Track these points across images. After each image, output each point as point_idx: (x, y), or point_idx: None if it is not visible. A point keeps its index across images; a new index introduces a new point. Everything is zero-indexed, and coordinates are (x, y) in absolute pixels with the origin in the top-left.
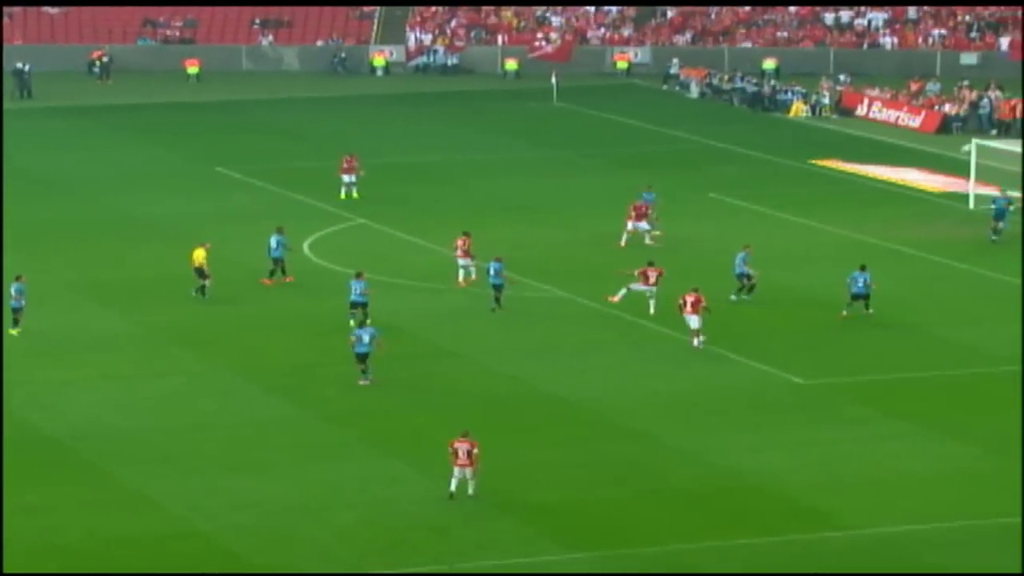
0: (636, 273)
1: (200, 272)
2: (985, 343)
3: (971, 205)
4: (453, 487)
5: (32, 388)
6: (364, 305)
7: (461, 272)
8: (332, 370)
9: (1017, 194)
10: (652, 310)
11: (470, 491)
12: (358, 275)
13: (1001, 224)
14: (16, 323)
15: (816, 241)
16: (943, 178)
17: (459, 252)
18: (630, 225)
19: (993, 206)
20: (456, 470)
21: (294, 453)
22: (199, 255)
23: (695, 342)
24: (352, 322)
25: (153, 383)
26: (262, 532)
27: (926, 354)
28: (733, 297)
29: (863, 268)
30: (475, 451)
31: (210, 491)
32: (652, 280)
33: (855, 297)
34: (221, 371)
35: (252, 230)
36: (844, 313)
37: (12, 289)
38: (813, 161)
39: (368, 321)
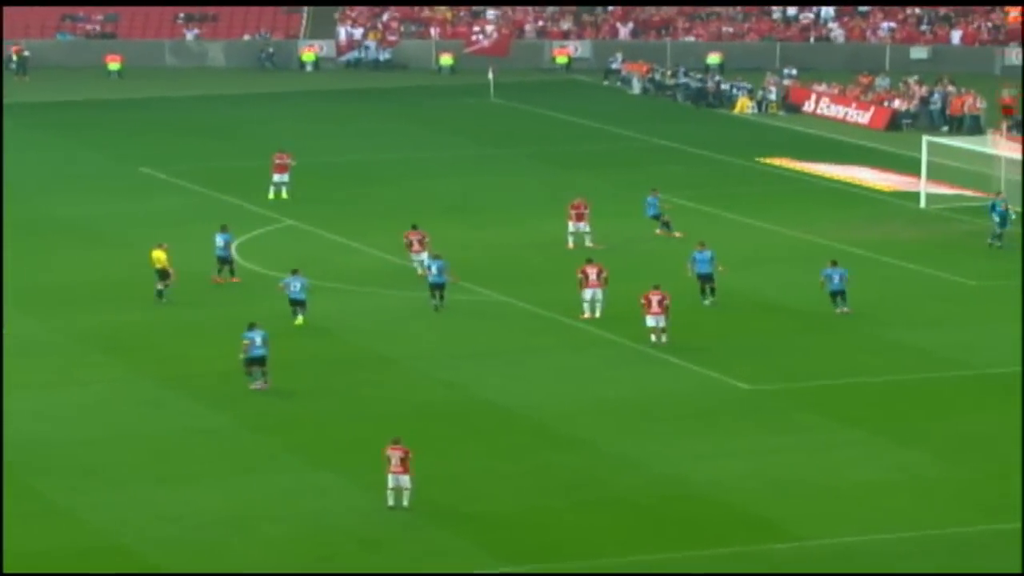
0: (577, 274)
1: (163, 274)
2: (938, 346)
3: (922, 204)
4: (391, 500)
5: None
6: (303, 303)
7: (419, 267)
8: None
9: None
10: (598, 313)
11: (405, 502)
12: (294, 272)
13: (1008, 229)
14: None
15: (764, 242)
16: (894, 176)
17: (415, 247)
18: (572, 226)
19: (995, 215)
20: (390, 478)
21: (221, 464)
22: (159, 256)
23: (654, 338)
24: (299, 319)
25: (75, 391)
26: (188, 546)
27: (877, 358)
28: (707, 302)
29: (835, 263)
30: (408, 457)
31: (134, 504)
32: (593, 279)
33: (834, 295)
34: (146, 379)
35: (179, 233)
36: (845, 310)
37: None
38: (760, 159)
39: (300, 321)
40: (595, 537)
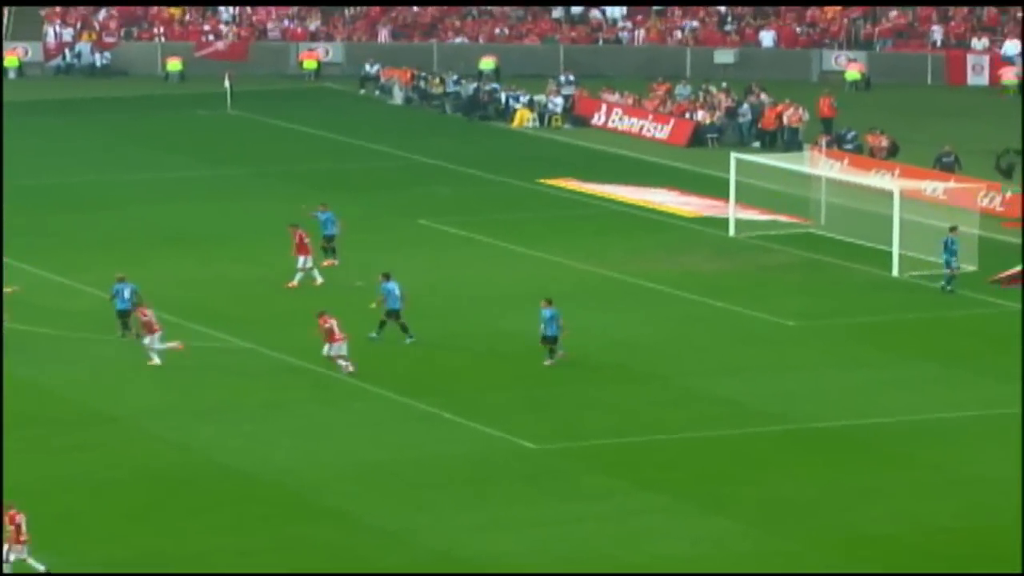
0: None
1: None
2: (750, 397)
3: (731, 232)
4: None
5: None
6: None
7: None
8: None
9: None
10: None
11: None
12: None
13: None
14: None
15: (546, 276)
16: (697, 200)
17: None
18: (300, 260)
19: (946, 254)
20: (19, 548)
21: None
22: None
23: (351, 368)
24: None
25: None
26: None
27: (680, 412)
28: (408, 341)
29: (550, 302)
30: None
31: None
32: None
33: (548, 340)
34: None
35: None
36: (562, 353)
37: None
38: (542, 180)
39: None
40: None
